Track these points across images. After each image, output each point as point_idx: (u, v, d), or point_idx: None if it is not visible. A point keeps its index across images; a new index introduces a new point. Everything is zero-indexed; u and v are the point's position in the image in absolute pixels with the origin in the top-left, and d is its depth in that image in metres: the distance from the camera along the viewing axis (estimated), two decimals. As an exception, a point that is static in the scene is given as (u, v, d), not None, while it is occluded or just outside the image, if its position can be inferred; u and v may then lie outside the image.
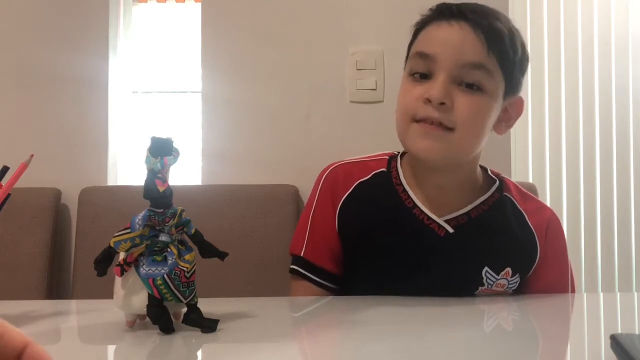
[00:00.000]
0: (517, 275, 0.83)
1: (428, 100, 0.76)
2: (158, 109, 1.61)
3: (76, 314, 0.77)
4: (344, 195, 0.87)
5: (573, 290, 0.88)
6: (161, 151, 0.56)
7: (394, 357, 0.50)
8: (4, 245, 1.28)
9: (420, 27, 0.83)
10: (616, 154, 1.58)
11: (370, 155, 0.94)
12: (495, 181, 0.87)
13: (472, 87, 0.77)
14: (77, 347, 0.57)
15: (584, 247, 1.58)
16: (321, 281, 0.86)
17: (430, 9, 0.82)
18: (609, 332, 0.47)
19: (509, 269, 0.82)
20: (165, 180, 0.56)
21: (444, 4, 0.81)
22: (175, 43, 1.62)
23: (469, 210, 0.83)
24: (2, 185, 0.65)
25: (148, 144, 0.57)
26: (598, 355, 0.49)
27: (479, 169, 0.87)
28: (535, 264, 0.85)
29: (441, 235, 0.82)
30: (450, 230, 0.82)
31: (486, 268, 0.81)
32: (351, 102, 1.38)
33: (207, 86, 1.43)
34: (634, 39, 1.59)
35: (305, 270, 0.87)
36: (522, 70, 0.83)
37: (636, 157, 1.59)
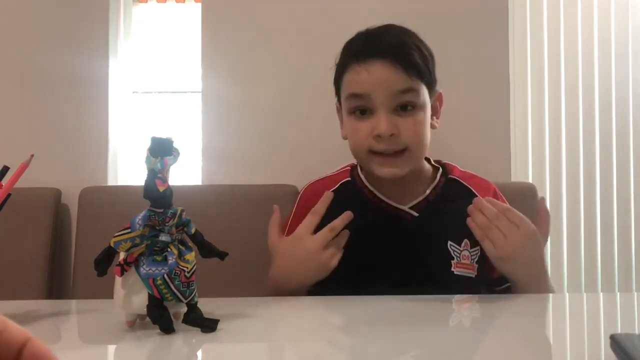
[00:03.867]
0: (476, 248, 0.90)
1: (378, 136, 0.86)
2: (158, 109, 1.61)
3: (76, 314, 0.77)
4: None
5: None
6: (161, 151, 0.56)
7: (394, 356, 0.50)
8: (4, 245, 1.28)
9: (342, 68, 0.91)
10: (616, 154, 1.58)
11: (335, 170, 1.05)
12: (439, 168, 0.99)
13: (406, 108, 0.87)
14: (77, 347, 0.57)
15: (583, 247, 1.57)
16: None
17: (345, 49, 0.92)
18: (608, 332, 0.47)
19: (466, 240, 0.90)
20: (165, 180, 0.56)
21: (356, 44, 0.91)
22: (175, 43, 1.62)
23: (426, 196, 0.94)
24: (2, 185, 0.65)
25: (148, 144, 0.57)
26: (598, 355, 0.49)
27: (425, 161, 0.98)
28: None
29: (409, 220, 0.92)
30: (415, 214, 0.93)
31: (449, 242, 0.90)
32: (351, 102, 1.38)
33: (207, 86, 1.43)
34: (634, 39, 1.59)
35: None
36: (434, 67, 0.92)
37: (636, 157, 1.58)
